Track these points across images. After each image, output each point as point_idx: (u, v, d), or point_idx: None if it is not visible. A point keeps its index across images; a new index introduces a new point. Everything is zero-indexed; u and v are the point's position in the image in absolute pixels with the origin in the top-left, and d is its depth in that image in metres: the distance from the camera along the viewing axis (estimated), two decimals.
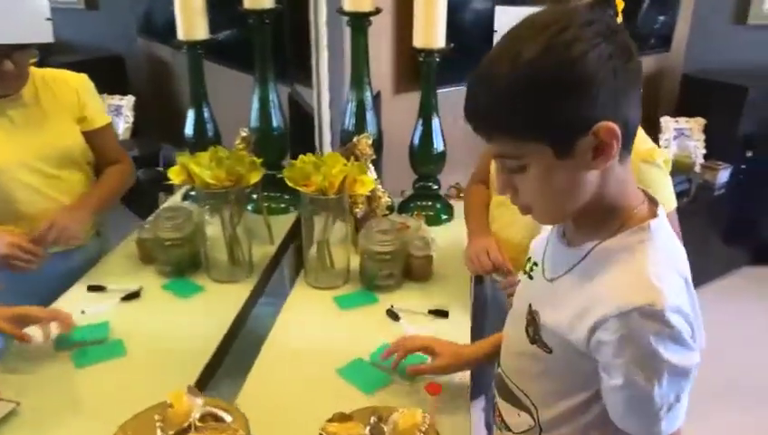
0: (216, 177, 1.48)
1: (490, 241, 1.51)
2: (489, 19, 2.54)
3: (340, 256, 1.63)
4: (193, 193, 1.84)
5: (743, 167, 3.39)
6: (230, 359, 1.40)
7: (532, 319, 0.91)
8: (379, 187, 1.77)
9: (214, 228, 1.58)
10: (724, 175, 3.34)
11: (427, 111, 1.89)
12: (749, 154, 3.38)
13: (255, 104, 1.88)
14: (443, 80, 1.92)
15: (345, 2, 1.78)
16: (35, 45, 1.42)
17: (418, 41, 1.81)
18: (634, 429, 0.82)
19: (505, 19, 1.58)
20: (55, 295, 1.46)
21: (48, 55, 1.56)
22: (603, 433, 0.87)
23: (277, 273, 1.77)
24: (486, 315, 1.80)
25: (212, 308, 1.54)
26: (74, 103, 1.55)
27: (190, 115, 1.83)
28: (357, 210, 1.70)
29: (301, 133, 2.08)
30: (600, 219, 0.84)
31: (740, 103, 3.25)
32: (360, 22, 1.78)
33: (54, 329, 1.25)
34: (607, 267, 0.81)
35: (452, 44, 1.83)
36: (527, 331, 0.93)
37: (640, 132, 1.04)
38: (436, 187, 1.99)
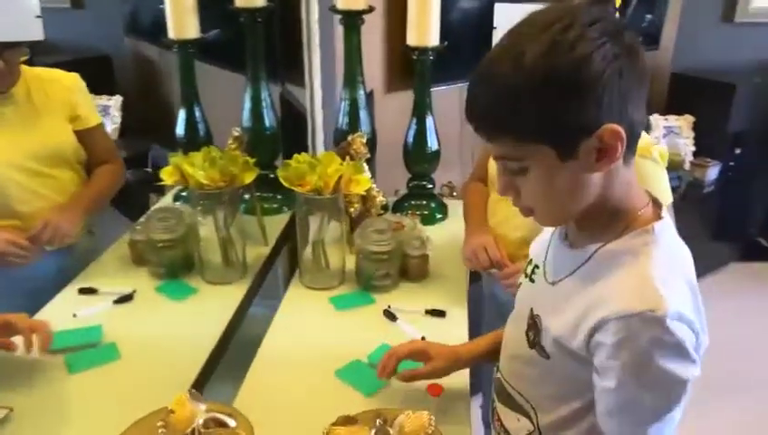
0: (209, 177, 1.46)
1: (488, 238, 1.51)
2: (478, 17, 2.57)
3: (335, 257, 1.61)
4: (184, 194, 1.82)
5: (731, 164, 3.42)
6: (226, 362, 1.39)
7: (534, 323, 0.90)
8: (374, 186, 1.76)
9: (207, 229, 1.56)
10: (713, 172, 3.36)
11: (421, 109, 1.88)
12: (737, 151, 3.41)
13: (247, 104, 1.86)
14: (436, 78, 1.90)
15: (338, 0, 1.76)
16: (26, 43, 1.41)
17: (412, 39, 1.80)
18: (616, 433, 0.81)
19: (505, 16, 1.58)
20: (47, 293, 1.45)
21: (34, 55, 1.54)
22: None
23: (271, 274, 1.75)
24: (483, 313, 1.80)
25: (206, 310, 1.52)
26: (67, 102, 1.54)
27: (181, 115, 1.81)
28: (352, 210, 1.69)
29: (293, 133, 2.06)
30: (603, 221, 0.82)
31: (728, 101, 3.28)
32: (352, 20, 1.77)
33: (35, 342, 1.22)
34: (610, 270, 0.80)
35: (445, 42, 1.82)
36: (527, 335, 0.91)
37: None
38: (430, 186, 1.98)
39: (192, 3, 1.67)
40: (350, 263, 1.64)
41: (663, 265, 0.78)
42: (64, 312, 1.39)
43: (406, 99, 2.00)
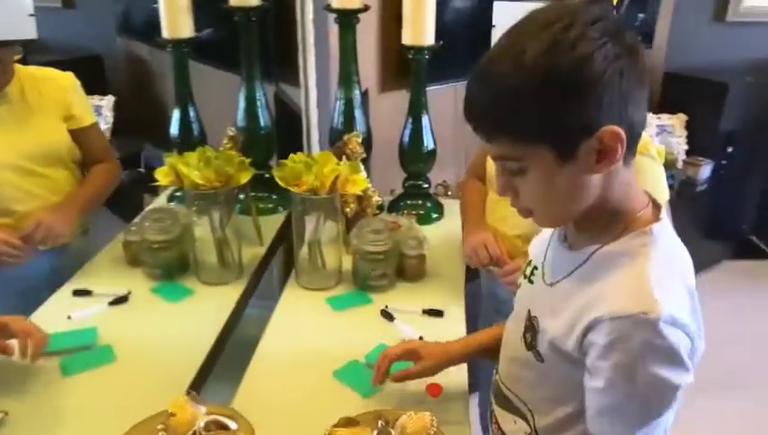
0: (205, 177, 1.45)
1: (487, 235, 1.51)
2: (471, 16, 2.57)
3: (331, 257, 1.60)
4: (179, 194, 1.81)
5: (723, 162, 3.44)
6: (222, 363, 1.38)
7: (531, 325, 0.90)
8: (370, 186, 1.75)
9: (202, 230, 1.55)
10: (706, 171, 3.38)
11: (416, 108, 1.88)
12: (730, 150, 3.43)
13: (242, 103, 1.85)
14: (429, 77, 1.90)
15: None
16: (19, 42, 1.40)
17: (408, 38, 1.79)
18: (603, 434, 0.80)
19: (504, 14, 1.57)
20: (40, 293, 1.44)
21: (25, 55, 1.53)
22: None
23: (267, 275, 1.74)
24: (479, 311, 1.79)
25: (203, 311, 1.51)
26: (61, 101, 1.53)
27: (176, 115, 1.79)
28: (348, 210, 1.68)
29: (287, 133, 2.05)
30: (602, 223, 0.82)
31: (720, 100, 3.29)
32: (348, 19, 1.76)
33: (30, 347, 1.21)
34: (608, 271, 0.79)
35: (441, 42, 1.82)
36: (525, 336, 0.91)
37: None
38: (426, 185, 1.97)
39: (186, 2, 1.66)
40: (347, 263, 1.63)
41: (660, 268, 0.77)
42: (59, 314, 1.38)
43: (400, 98, 2.00)
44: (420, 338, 1.34)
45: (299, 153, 1.52)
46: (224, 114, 1.97)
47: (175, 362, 1.32)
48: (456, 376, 1.24)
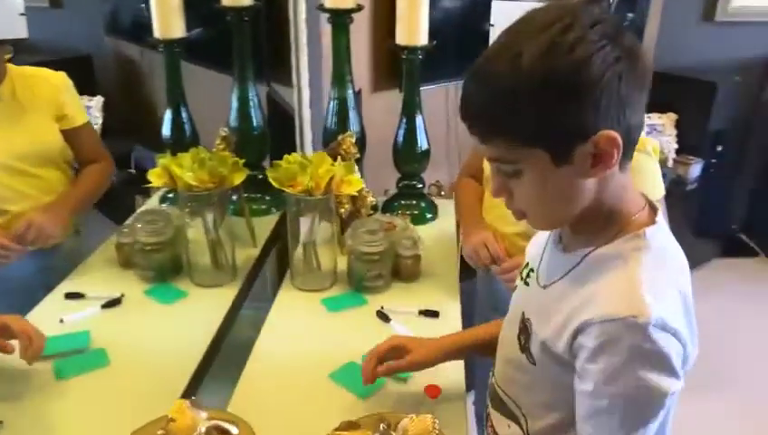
0: (198, 179, 1.44)
1: (487, 234, 1.51)
2: (461, 16, 2.57)
3: (326, 258, 1.60)
4: (171, 195, 1.80)
5: (713, 161, 3.46)
6: (217, 366, 1.37)
7: (524, 327, 0.89)
8: (364, 186, 1.74)
9: (195, 232, 1.54)
10: (696, 169, 3.40)
11: (410, 108, 1.87)
12: (719, 149, 3.45)
13: (235, 104, 1.83)
14: (422, 78, 1.89)
15: None
16: (10, 41, 1.38)
17: (401, 38, 1.78)
18: None
19: (503, 14, 1.57)
20: (30, 294, 1.42)
21: (14, 55, 1.51)
22: None
23: (260, 276, 1.73)
24: (475, 310, 1.80)
25: (197, 314, 1.50)
26: (53, 101, 1.51)
27: (167, 116, 1.78)
28: (342, 210, 1.67)
29: (280, 133, 2.04)
30: (598, 225, 0.81)
31: (709, 99, 3.31)
32: (341, 19, 1.75)
33: (30, 350, 1.19)
34: (600, 274, 0.79)
35: (434, 42, 1.81)
36: (519, 338, 0.91)
37: None
38: (420, 185, 1.97)
39: (178, 2, 1.65)
40: (342, 264, 1.62)
41: (653, 271, 0.77)
42: (51, 317, 1.36)
43: (392, 98, 1.99)
44: None
45: (293, 154, 1.52)
46: (216, 115, 1.96)
47: (169, 364, 1.30)
48: (454, 377, 1.24)
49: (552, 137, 0.73)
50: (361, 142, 1.86)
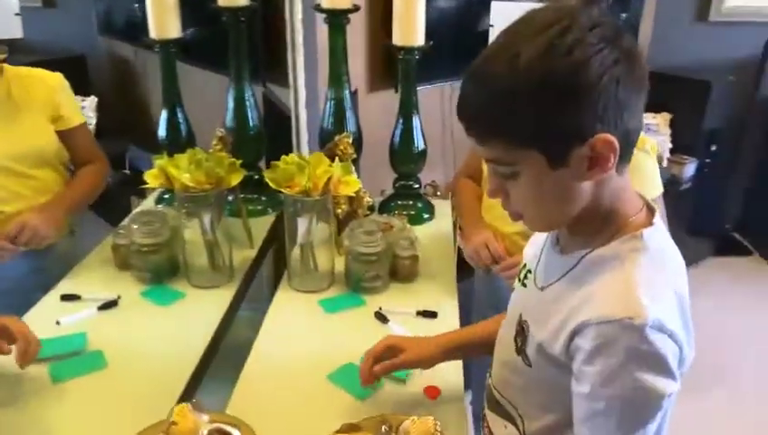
0: (195, 179, 1.43)
1: (488, 234, 1.51)
2: (456, 17, 2.57)
3: (323, 259, 1.59)
4: (167, 196, 1.79)
5: (707, 160, 3.47)
6: (215, 367, 1.36)
7: (521, 329, 0.89)
8: (361, 187, 1.74)
9: (191, 233, 1.53)
10: (690, 169, 3.41)
11: (407, 109, 1.87)
12: (713, 148, 3.46)
13: (231, 104, 1.83)
14: (417, 78, 1.89)
15: None
16: (4, 41, 1.37)
17: (398, 38, 1.78)
18: None
19: (502, 14, 1.57)
20: (24, 294, 1.42)
21: (8, 55, 1.50)
22: None
23: (258, 277, 1.73)
24: (473, 310, 1.80)
25: (194, 315, 1.49)
26: (49, 102, 1.51)
27: (163, 116, 1.78)
28: (339, 211, 1.67)
29: (276, 134, 2.03)
30: (595, 227, 0.81)
31: (704, 99, 3.32)
32: (338, 19, 1.74)
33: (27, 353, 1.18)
34: (596, 275, 0.79)
35: (431, 42, 1.81)
36: (515, 340, 0.91)
37: None
38: (416, 186, 1.96)
39: (173, 2, 1.64)
40: (339, 265, 1.62)
41: (649, 273, 0.77)
42: (47, 319, 1.35)
43: (388, 98, 1.98)
44: None
45: (291, 154, 1.51)
46: (211, 115, 1.95)
47: (167, 366, 1.30)
48: (453, 378, 1.24)
49: (548, 138, 0.73)
50: (358, 143, 1.85)
